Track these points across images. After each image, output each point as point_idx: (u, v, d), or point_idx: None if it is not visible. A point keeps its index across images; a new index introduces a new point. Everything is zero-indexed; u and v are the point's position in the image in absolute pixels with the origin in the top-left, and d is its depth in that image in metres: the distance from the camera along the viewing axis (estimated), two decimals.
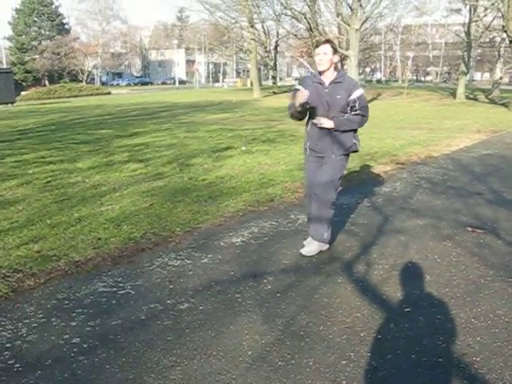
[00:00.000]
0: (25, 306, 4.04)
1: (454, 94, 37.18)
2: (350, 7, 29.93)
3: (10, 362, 3.26)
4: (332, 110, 4.97)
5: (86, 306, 4.04)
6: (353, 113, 4.97)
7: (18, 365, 3.24)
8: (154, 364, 3.24)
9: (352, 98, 4.92)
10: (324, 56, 4.89)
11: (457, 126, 17.50)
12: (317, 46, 4.98)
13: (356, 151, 5.23)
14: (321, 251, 5.19)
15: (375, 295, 4.22)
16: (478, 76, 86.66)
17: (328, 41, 5.02)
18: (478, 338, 3.52)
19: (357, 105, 4.94)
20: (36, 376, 3.12)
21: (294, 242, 5.52)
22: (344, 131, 5.01)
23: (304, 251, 5.16)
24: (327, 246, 5.29)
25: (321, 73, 5.01)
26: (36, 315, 3.89)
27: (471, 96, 37.63)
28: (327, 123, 4.95)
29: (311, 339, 3.52)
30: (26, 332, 3.64)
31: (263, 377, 3.09)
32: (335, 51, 4.95)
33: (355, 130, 5.13)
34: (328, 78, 4.98)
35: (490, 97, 36.88)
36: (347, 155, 5.19)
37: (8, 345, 3.47)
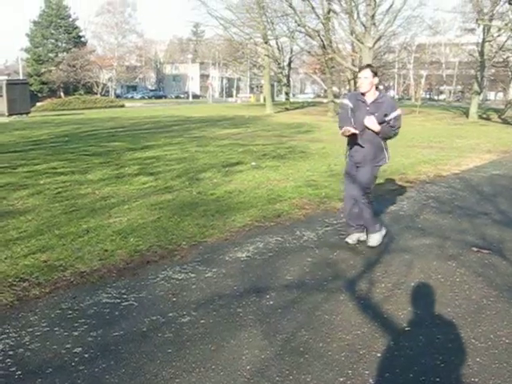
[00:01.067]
0: (29, 315, 4.10)
1: (466, 114, 37.16)
2: (364, 25, 30.12)
3: (11, 369, 3.31)
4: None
5: (89, 317, 4.08)
6: (387, 126, 5.70)
7: (19, 372, 3.29)
8: (153, 376, 3.27)
9: (390, 117, 5.64)
10: (365, 80, 5.66)
11: (468, 146, 17.47)
12: (359, 71, 5.88)
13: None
14: (325, 268, 5.24)
15: (376, 313, 4.24)
16: (491, 96, 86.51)
17: (368, 66, 5.92)
18: (478, 359, 3.53)
19: (391, 122, 5.67)
20: None
21: (299, 258, 5.55)
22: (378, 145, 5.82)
23: (372, 244, 6.03)
24: (385, 230, 6.28)
25: (363, 94, 5.74)
26: (40, 324, 3.95)
27: (484, 116, 37.58)
28: (375, 126, 5.64)
29: (310, 355, 3.54)
30: (29, 340, 3.69)
31: None
32: (375, 74, 5.69)
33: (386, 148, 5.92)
34: (370, 97, 5.73)
35: (502, 117, 36.80)
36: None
37: (11, 352, 3.52)
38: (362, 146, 5.81)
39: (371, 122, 5.62)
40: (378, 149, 5.83)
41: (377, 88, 5.83)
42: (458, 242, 6.24)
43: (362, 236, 6.19)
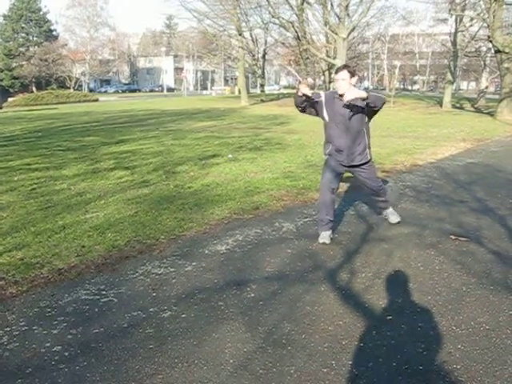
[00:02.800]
0: (6, 314, 4.02)
1: (440, 103, 37.46)
2: (338, 16, 30.19)
3: None
4: (354, 122, 5.63)
5: (68, 314, 4.02)
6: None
7: None
8: (136, 372, 3.23)
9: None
10: (342, 82, 5.48)
11: (443, 135, 17.61)
12: (336, 72, 5.68)
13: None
14: (306, 259, 5.24)
15: (358, 303, 4.24)
16: (464, 85, 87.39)
17: (345, 66, 5.68)
18: (459, 346, 3.55)
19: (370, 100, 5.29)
20: None
21: (278, 250, 5.53)
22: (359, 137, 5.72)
23: (395, 221, 6.51)
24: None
25: (341, 95, 5.48)
26: (18, 323, 3.87)
27: (457, 105, 37.93)
28: (360, 93, 5.29)
29: (293, 347, 3.53)
30: (7, 340, 3.63)
31: None
32: (352, 75, 5.53)
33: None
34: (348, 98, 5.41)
35: (475, 106, 37.19)
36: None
37: None
38: (342, 139, 5.71)
39: (353, 92, 5.28)
40: (360, 140, 5.71)
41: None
42: (436, 231, 6.27)
43: (330, 233, 5.94)
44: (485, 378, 3.18)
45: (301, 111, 5.87)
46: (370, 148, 5.86)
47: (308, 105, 5.71)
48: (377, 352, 3.48)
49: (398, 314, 4.03)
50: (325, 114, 5.78)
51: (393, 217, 6.56)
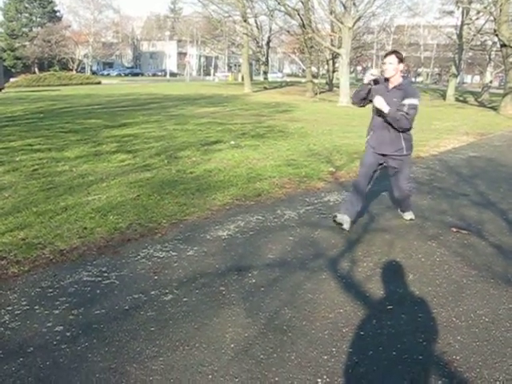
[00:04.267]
0: (8, 293, 4.03)
1: (443, 96, 37.44)
2: (344, 5, 30.01)
3: None
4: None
5: (69, 295, 4.03)
6: (399, 112, 5.46)
7: None
8: (137, 354, 3.24)
9: (404, 102, 5.44)
10: (390, 65, 5.55)
11: (445, 128, 17.60)
12: (385, 56, 5.72)
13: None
14: (307, 247, 5.25)
15: (359, 292, 4.25)
16: (468, 79, 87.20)
17: (394, 51, 5.72)
18: (459, 337, 3.56)
19: (405, 109, 5.42)
20: (18, 363, 3.12)
21: (280, 237, 5.54)
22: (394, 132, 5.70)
23: (411, 217, 6.38)
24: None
25: (387, 79, 5.63)
26: (19, 302, 3.88)
27: (461, 98, 37.90)
28: (383, 105, 5.49)
29: (294, 334, 3.54)
30: (9, 319, 3.63)
31: (245, 369, 3.11)
32: (400, 60, 5.58)
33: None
34: (393, 83, 5.62)
35: (479, 100, 37.14)
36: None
37: None
38: (379, 130, 5.79)
39: (378, 101, 5.51)
40: (395, 136, 5.71)
41: (403, 76, 5.71)
42: (438, 223, 6.29)
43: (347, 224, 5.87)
44: (484, 369, 3.20)
45: (361, 106, 6.04)
46: (408, 141, 5.81)
47: (368, 96, 5.78)
48: (377, 341, 3.49)
49: (399, 304, 4.04)
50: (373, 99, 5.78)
51: (408, 215, 6.44)
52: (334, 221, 5.90)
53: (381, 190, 7.87)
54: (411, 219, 6.35)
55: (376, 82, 5.69)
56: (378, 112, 5.64)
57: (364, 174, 5.94)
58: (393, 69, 5.54)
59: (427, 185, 8.44)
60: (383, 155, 5.84)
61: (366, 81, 5.71)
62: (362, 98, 5.83)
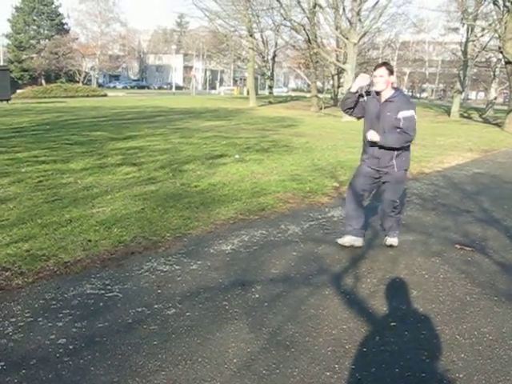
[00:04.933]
0: (12, 305, 4.04)
1: (448, 112, 37.46)
2: (349, 21, 30.18)
3: None
4: (383, 124, 5.44)
5: (73, 307, 4.04)
6: (398, 130, 5.37)
7: (2, 363, 3.24)
8: (139, 368, 3.24)
9: (398, 116, 5.33)
10: (380, 78, 5.38)
11: (450, 144, 17.62)
12: (375, 69, 5.51)
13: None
14: (311, 263, 5.25)
15: (362, 308, 4.25)
16: (472, 95, 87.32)
17: (384, 63, 5.58)
18: (462, 355, 3.55)
19: (400, 124, 5.32)
20: (20, 375, 3.12)
21: (284, 252, 5.54)
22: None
23: (391, 243, 5.98)
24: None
25: (378, 93, 5.49)
26: (23, 314, 3.89)
27: (465, 114, 37.93)
28: (375, 137, 5.40)
29: (297, 349, 3.54)
30: (12, 331, 3.64)
31: None
32: (391, 72, 5.43)
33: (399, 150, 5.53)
34: (384, 96, 5.46)
35: (483, 116, 37.20)
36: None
37: None
38: (372, 146, 5.58)
39: (371, 135, 5.40)
40: (385, 152, 5.51)
41: (395, 88, 5.53)
42: (442, 239, 6.28)
43: (357, 241, 5.84)
44: None
45: (349, 113, 5.78)
46: (400, 158, 5.55)
47: (358, 105, 5.65)
48: (380, 358, 3.48)
49: (402, 321, 4.04)
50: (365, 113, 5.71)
51: (390, 240, 6.05)
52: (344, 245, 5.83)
53: None
54: (391, 245, 5.95)
55: (368, 93, 5.60)
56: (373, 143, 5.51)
57: (358, 184, 5.80)
58: (384, 81, 5.38)
59: (431, 201, 8.43)
60: (377, 170, 5.68)
61: (354, 89, 5.51)
62: (349, 108, 5.66)
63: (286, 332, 3.78)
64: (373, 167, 5.66)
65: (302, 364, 3.36)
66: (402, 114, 5.31)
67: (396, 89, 5.53)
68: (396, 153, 5.50)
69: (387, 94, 5.44)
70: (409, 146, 5.60)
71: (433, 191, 9.29)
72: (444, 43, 52.11)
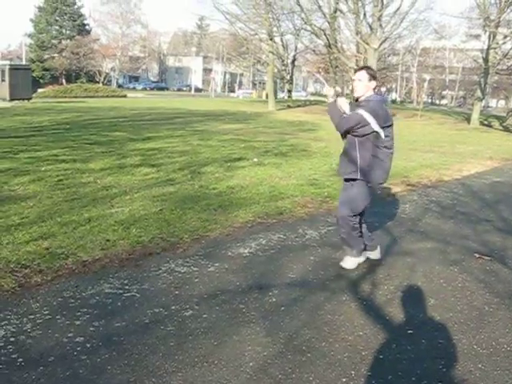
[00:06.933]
0: (30, 302, 4.08)
1: (468, 120, 37.17)
2: (370, 26, 30.09)
3: (13, 356, 3.29)
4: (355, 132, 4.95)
5: (91, 306, 4.07)
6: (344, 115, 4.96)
7: (20, 359, 3.27)
8: (156, 368, 3.25)
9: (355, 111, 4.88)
10: (359, 83, 4.92)
11: (469, 152, 17.47)
12: (354, 72, 5.10)
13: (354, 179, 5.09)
14: (328, 268, 5.24)
15: (379, 315, 4.23)
16: (493, 103, 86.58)
17: (365, 67, 5.16)
18: (479, 365, 3.52)
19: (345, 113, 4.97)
20: (38, 372, 3.15)
21: (301, 256, 5.54)
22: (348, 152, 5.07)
23: (343, 263, 5.33)
24: (363, 258, 5.47)
25: (357, 99, 5.03)
26: (41, 311, 3.93)
27: (485, 122, 37.59)
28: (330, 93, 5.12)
29: (313, 354, 3.53)
30: (31, 327, 3.68)
31: None
32: (372, 77, 4.94)
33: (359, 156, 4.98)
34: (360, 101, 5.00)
35: (504, 124, 36.81)
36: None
37: (12, 339, 3.51)
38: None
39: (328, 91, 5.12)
40: (349, 157, 5.07)
41: (377, 94, 5.07)
42: (460, 248, 6.23)
43: (364, 255, 5.50)
44: None
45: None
46: (360, 166, 4.99)
47: None
48: (396, 365, 3.46)
49: (419, 329, 4.01)
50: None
51: (343, 261, 5.40)
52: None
53: (400, 213, 7.85)
54: (341, 267, 5.30)
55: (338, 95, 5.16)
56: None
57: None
58: (363, 86, 4.90)
59: (450, 209, 8.37)
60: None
61: (330, 99, 5.12)
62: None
63: (303, 337, 3.77)
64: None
65: (318, 369, 3.35)
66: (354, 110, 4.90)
67: (378, 95, 5.13)
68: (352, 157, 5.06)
69: (363, 98, 4.96)
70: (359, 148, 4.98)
71: (452, 199, 9.23)
72: (465, 50, 51.64)
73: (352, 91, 5.05)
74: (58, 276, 4.62)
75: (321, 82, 77.71)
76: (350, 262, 5.32)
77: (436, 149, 17.65)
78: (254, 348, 3.57)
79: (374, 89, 4.99)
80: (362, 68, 5.13)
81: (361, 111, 4.80)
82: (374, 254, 5.57)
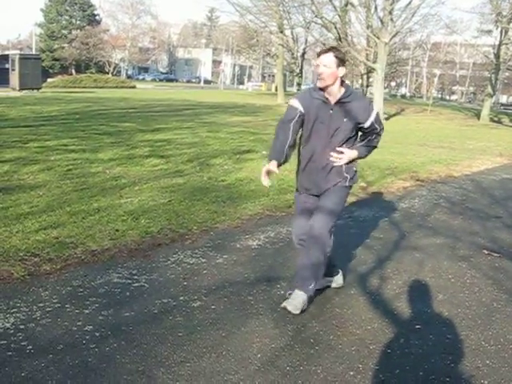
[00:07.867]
0: (40, 290, 4.10)
1: (478, 116, 37.01)
2: (381, 20, 29.85)
3: (22, 344, 3.31)
4: (336, 137, 4.04)
5: (100, 296, 4.08)
6: (370, 138, 4.21)
7: (30, 347, 3.29)
8: (164, 358, 3.27)
9: (369, 123, 4.03)
10: (325, 69, 3.84)
11: (479, 148, 17.41)
12: (318, 55, 3.96)
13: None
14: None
15: (387, 310, 4.22)
16: (503, 99, 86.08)
17: (332, 49, 3.97)
18: (487, 361, 3.51)
19: (377, 126, 4.10)
20: (47, 359, 3.16)
21: None
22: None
23: (287, 305, 4.01)
24: (312, 293, 4.12)
25: (322, 89, 3.95)
26: (51, 300, 3.95)
27: (495, 119, 37.41)
28: (351, 154, 4.18)
29: (321, 347, 3.53)
30: (40, 316, 3.69)
31: (271, 380, 3.11)
32: (341, 63, 3.88)
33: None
34: (333, 95, 3.94)
35: None
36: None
37: (22, 326, 3.52)
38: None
39: (346, 157, 4.16)
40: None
41: (343, 83, 3.96)
42: (469, 244, 6.22)
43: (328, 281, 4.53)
44: None
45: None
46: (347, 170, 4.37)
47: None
48: (404, 360, 3.46)
49: (427, 324, 4.01)
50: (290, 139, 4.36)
51: (297, 300, 4.01)
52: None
53: (409, 208, 7.83)
54: (285, 308, 4.01)
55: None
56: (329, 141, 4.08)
57: None
58: (329, 74, 3.82)
59: (459, 205, 8.35)
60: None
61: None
62: (292, 146, 4.36)
63: (311, 330, 3.78)
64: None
65: (326, 362, 3.36)
66: (372, 118, 4.01)
67: (346, 85, 3.99)
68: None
69: (337, 92, 3.93)
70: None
71: (461, 195, 9.20)
72: (476, 45, 51.33)
73: (317, 79, 3.93)
74: (67, 265, 4.64)
75: None
76: (302, 301, 4.01)
77: (446, 144, 17.59)
78: (262, 340, 3.57)
79: (342, 78, 3.95)
80: (328, 50, 3.93)
81: (376, 110, 4.11)
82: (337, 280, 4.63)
